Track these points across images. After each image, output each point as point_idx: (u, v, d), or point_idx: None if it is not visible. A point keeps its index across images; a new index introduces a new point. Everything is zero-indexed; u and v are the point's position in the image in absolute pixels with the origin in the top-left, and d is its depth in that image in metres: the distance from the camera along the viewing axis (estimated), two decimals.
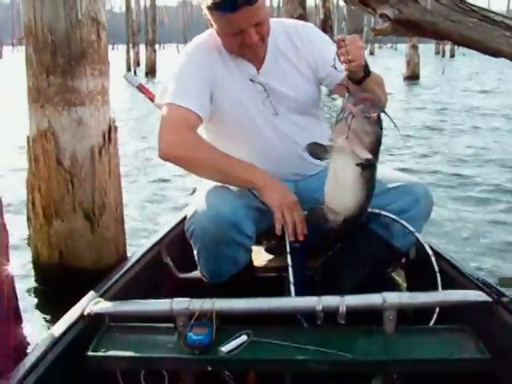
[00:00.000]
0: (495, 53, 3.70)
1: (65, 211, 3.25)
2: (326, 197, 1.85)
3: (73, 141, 3.20)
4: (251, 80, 2.14)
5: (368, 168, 1.74)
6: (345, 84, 1.83)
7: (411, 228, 2.05)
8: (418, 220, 2.09)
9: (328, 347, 1.62)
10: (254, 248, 2.21)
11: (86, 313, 1.77)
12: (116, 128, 3.40)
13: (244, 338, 1.66)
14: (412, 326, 1.78)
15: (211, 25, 2.07)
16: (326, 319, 1.70)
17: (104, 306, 1.78)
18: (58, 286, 3.31)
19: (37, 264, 3.45)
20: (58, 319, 1.80)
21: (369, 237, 2.10)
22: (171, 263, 2.49)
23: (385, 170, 2.15)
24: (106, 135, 3.30)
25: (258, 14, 1.98)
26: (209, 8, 1.97)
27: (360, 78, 1.86)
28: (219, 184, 2.04)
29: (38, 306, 3.31)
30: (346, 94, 1.80)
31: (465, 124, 10.74)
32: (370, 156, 1.72)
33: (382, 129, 1.73)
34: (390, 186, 2.07)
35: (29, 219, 3.52)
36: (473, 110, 12.98)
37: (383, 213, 2.06)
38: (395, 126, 1.68)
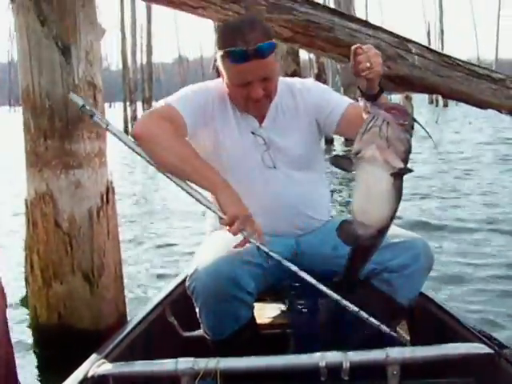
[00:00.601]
0: (483, 105, 3.78)
1: (63, 273, 3.26)
2: (355, 212, 1.77)
3: (71, 203, 3.23)
4: (252, 133, 2.19)
5: (401, 177, 1.71)
6: (359, 97, 1.84)
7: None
8: (419, 275, 2.11)
9: None
10: (258, 305, 2.23)
11: (89, 375, 1.76)
12: (113, 189, 3.44)
13: None
14: (416, 380, 1.80)
15: (222, 75, 2.14)
16: (329, 375, 1.70)
17: (108, 367, 1.77)
18: (57, 348, 3.29)
19: (35, 326, 3.44)
20: (60, 382, 1.79)
21: (371, 293, 2.10)
22: (175, 322, 2.48)
23: None
24: (104, 196, 3.33)
25: (268, 69, 2.06)
26: (221, 56, 2.06)
27: (375, 94, 1.84)
28: (220, 241, 2.06)
29: (38, 369, 3.30)
30: (367, 104, 1.77)
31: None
32: (403, 165, 1.69)
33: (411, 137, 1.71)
34: (390, 241, 2.05)
35: (27, 281, 3.53)
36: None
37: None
38: (429, 136, 1.69)
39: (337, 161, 1.77)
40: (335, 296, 1.89)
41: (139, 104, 32.05)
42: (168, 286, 2.69)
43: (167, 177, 1.99)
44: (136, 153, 2.01)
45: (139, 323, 2.27)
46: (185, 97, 2.16)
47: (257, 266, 2.02)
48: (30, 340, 3.48)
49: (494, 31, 58.97)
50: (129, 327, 2.21)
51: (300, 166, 2.24)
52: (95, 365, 1.79)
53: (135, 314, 2.40)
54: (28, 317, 3.53)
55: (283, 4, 3.33)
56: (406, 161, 1.70)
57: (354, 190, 1.80)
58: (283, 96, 2.24)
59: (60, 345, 3.28)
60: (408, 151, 1.70)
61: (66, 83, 3.15)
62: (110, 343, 2.03)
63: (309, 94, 2.26)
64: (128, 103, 30.76)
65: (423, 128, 1.71)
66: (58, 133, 3.17)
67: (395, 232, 2.12)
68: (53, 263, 3.27)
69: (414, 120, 1.71)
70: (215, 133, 2.19)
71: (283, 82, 2.29)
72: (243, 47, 1.99)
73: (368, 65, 1.77)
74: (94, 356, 1.91)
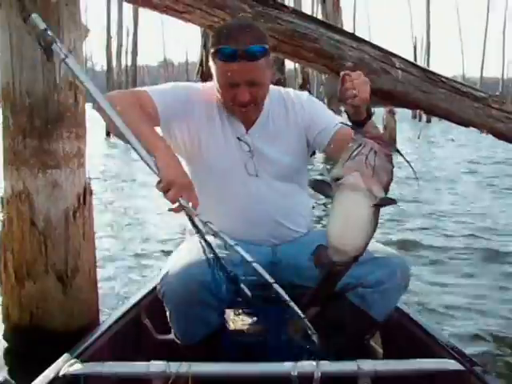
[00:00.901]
0: (464, 122, 3.81)
1: (37, 273, 3.24)
2: (331, 237, 1.74)
3: (47, 203, 3.21)
4: (238, 138, 2.19)
5: (381, 207, 1.70)
6: (347, 122, 1.83)
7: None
8: (395, 292, 2.12)
9: None
10: (231, 311, 2.24)
11: (60, 374, 1.74)
12: (91, 191, 3.42)
13: None
14: None
15: (212, 76, 2.13)
16: None
17: (79, 367, 1.75)
18: (28, 348, 3.27)
19: (7, 325, 3.41)
20: (31, 381, 1.76)
21: (345, 307, 2.10)
22: (150, 324, 2.47)
23: None
24: (81, 198, 3.31)
25: (255, 73, 2.05)
26: (212, 55, 2.07)
27: (362, 120, 1.82)
28: (194, 246, 2.02)
29: (8, 368, 3.25)
30: (352, 132, 1.74)
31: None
32: (384, 195, 1.68)
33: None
34: (367, 257, 2.01)
35: (0, 280, 3.49)
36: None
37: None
38: (411, 166, 1.68)
39: (316, 185, 1.76)
40: (286, 298, 1.87)
41: None
42: (144, 289, 2.67)
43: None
44: (92, 97, 1.93)
45: (113, 324, 2.24)
46: (164, 89, 2.19)
47: (230, 272, 1.98)
48: (0, 339, 3.44)
49: (481, 49, 59.65)
50: (103, 328, 2.18)
51: (283, 176, 2.24)
52: (67, 364, 1.77)
53: (109, 316, 2.38)
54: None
55: (269, 12, 3.34)
56: (387, 191, 1.71)
57: (330, 215, 1.76)
58: (275, 105, 2.24)
59: (31, 345, 3.26)
60: (390, 182, 1.71)
61: (47, 81, 3.12)
62: (82, 343, 2.01)
63: (302, 108, 2.25)
64: None
65: (405, 159, 1.70)
66: (37, 131, 3.15)
67: (373, 247, 2.12)
68: (27, 262, 3.24)
69: (398, 151, 1.71)
70: (197, 131, 2.17)
71: (278, 90, 2.29)
72: (234, 47, 2.00)
73: (354, 92, 1.75)
74: (66, 355, 1.88)
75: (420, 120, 47.66)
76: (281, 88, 2.36)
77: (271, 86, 2.22)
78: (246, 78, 2.04)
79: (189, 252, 2.02)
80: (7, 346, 3.41)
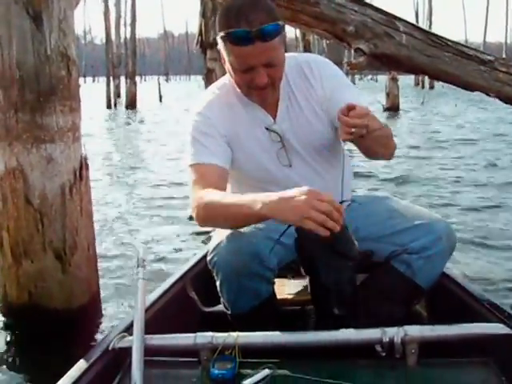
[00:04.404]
0: (470, 86, 3.70)
1: (34, 251, 3.18)
2: None
3: (42, 179, 3.13)
4: (267, 129, 2.08)
5: None
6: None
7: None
8: (440, 258, 2.09)
9: (352, 381, 1.62)
10: (278, 280, 2.24)
11: (110, 347, 1.78)
12: (88, 165, 3.34)
13: (266, 372, 1.64)
14: (434, 359, 1.76)
15: (223, 60, 1.99)
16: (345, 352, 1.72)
17: (128, 340, 1.78)
18: (28, 328, 3.23)
19: (5, 305, 3.36)
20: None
21: (391, 274, 2.10)
22: (196, 297, 2.49)
23: (407, 205, 2.19)
24: (77, 173, 3.24)
25: (272, 54, 1.90)
26: (222, 38, 1.90)
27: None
28: None
29: (6, 349, 3.20)
30: None
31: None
32: None
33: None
34: (411, 223, 2.06)
35: None
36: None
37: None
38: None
39: None
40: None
41: (123, 79, 31.75)
42: (189, 261, 2.68)
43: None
44: None
45: (160, 297, 2.26)
46: (202, 144, 2.04)
47: (279, 242, 1.95)
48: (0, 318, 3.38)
49: (483, 14, 59.08)
50: (149, 301, 2.17)
51: (316, 157, 2.16)
52: (116, 338, 1.81)
53: (155, 289, 2.34)
54: None
55: None
56: None
57: None
58: (294, 77, 2.10)
59: (31, 324, 3.22)
60: None
61: (38, 53, 3.03)
62: (130, 317, 2.01)
63: (321, 80, 2.09)
64: (111, 78, 30.48)
65: None
66: (29, 105, 3.06)
67: (417, 212, 2.13)
68: (23, 241, 3.18)
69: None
70: (237, 142, 2.08)
71: (294, 58, 2.12)
72: (246, 28, 1.84)
73: (352, 130, 1.68)
74: (116, 329, 1.93)
75: (423, 87, 47.47)
76: (296, 55, 2.20)
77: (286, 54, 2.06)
78: (262, 60, 1.89)
79: None
80: (6, 327, 3.35)
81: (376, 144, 1.90)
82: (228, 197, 1.93)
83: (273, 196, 1.73)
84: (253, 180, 2.15)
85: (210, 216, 1.92)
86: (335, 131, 2.13)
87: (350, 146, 1.91)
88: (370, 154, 2.01)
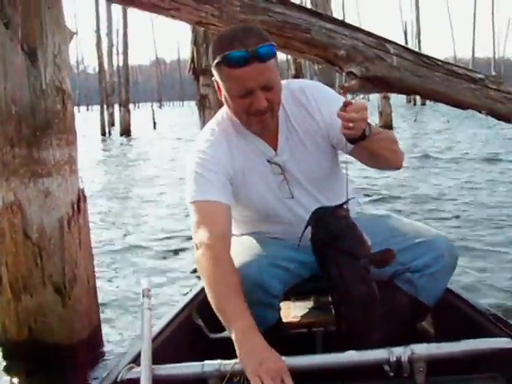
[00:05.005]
0: (461, 105, 3.72)
1: (34, 285, 3.17)
2: None
3: (40, 213, 3.13)
4: (268, 161, 2.07)
5: None
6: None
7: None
8: (443, 274, 2.11)
9: None
10: (283, 304, 2.24)
11: (119, 379, 1.76)
12: (85, 197, 3.34)
13: None
14: (442, 376, 1.77)
15: (219, 91, 1.96)
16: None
17: (136, 371, 1.76)
18: (28, 364, 3.21)
19: (5, 342, 3.33)
20: None
21: (395, 293, 2.10)
22: (202, 324, 2.47)
23: (407, 223, 2.20)
24: (75, 205, 3.24)
25: (269, 75, 1.88)
26: (217, 65, 1.88)
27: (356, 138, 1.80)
28: (246, 243, 2.08)
29: None
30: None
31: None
32: None
33: None
34: (413, 241, 2.07)
35: None
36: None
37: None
38: None
39: None
40: None
41: (117, 107, 31.81)
42: (194, 289, 2.66)
43: None
44: None
45: (166, 326, 2.26)
46: (204, 181, 2.00)
47: (283, 268, 2.01)
48: None
49: (470, 30, 59.52)
50: (155, 330, 2.17)
51: (318, 185, 2.14)
52: (124, 369, 1.79)
53: (161, 318, 2.34)
54: None
55: (258, 4, 3.23)
56: None
57: None
58: (290, 107, 2.08)
59: (31, 361, 3.20)
60: None
61: (33, 88, 3.04)
62: (137, 347, 2.00)
63: (317, 106, 2.08)
64: (105, 106, 30.56)
65: None
66: (26, 140, 3.08)
67: (417, 229, 2.14)
68: (22, 276, 3.17)
69: None
70: (239, 178, 2.07)
71: (286, 87, 2.07)
72: (242, 49, 1.83)
73: (351, 125, 1.72)
74: (122, 360, 1.93)
75: (415, 104, 47.69)
76: (286, 82, 2.15)
77: None
78: (260, 81, 1.86)
79: (242, 251, 2.01)
80: (7, 364, 3.33)
81: (381, 147, 1.91)
82: (228, 297, 1.84)
83: (249, 345, 1.70)
84: (253, 212, 2.15)
85: (205, 283, 1.89)
86: (336, 156, 2.16)
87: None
88: (378, 160, 2.02)
